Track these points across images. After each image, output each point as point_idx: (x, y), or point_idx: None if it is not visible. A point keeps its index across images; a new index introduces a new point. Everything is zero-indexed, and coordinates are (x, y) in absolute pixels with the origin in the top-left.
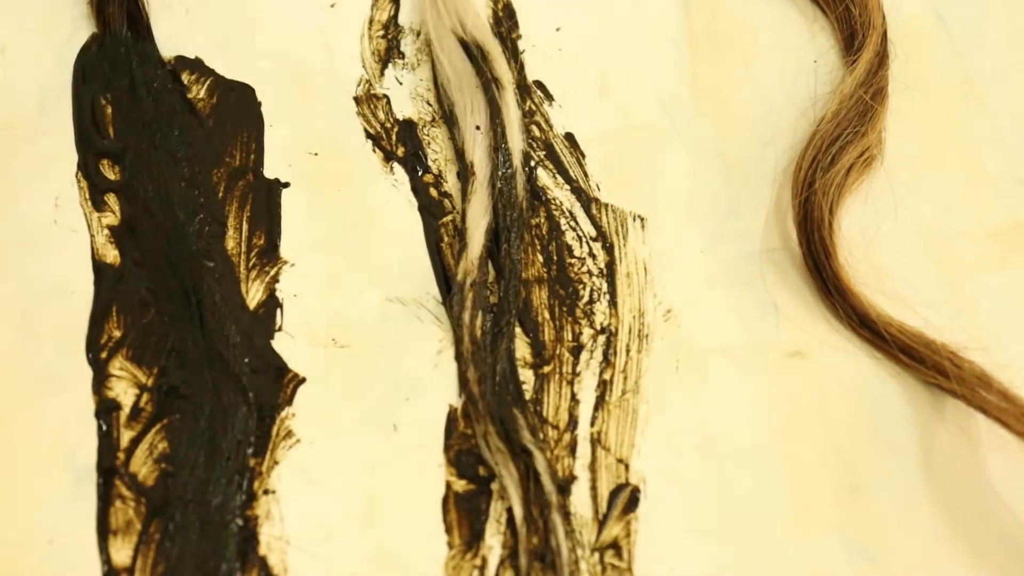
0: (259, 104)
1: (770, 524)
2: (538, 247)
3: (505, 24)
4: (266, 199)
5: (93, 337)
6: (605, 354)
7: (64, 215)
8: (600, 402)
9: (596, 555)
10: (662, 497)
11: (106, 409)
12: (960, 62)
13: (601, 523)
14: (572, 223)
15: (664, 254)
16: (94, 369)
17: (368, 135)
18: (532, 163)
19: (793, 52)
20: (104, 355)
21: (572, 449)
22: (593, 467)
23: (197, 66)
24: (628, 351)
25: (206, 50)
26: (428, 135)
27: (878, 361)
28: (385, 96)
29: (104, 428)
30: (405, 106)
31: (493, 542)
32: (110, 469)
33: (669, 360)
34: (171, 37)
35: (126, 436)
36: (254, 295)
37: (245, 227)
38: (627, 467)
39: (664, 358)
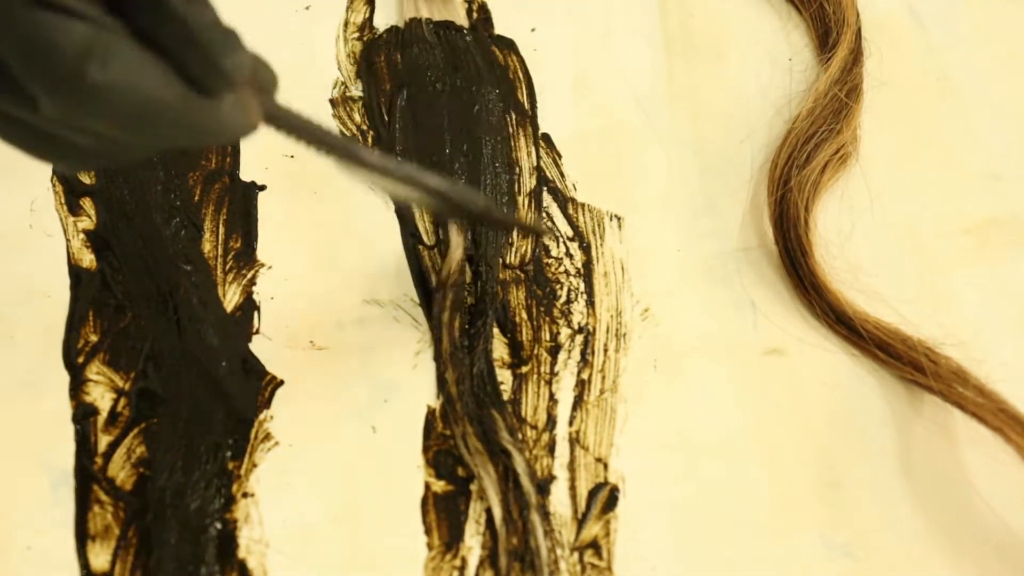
0: None
1: (749, 521)
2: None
3: (480, 24)
4: (242, 202)
5: (70, 342)
6: (583, 354)
7: (40, 219)
8: (578, 402)
9: (576, 554)
10: (641, 496)
11: (83, 414)
12: (934, 59)
13: (580, 522)
14: (549, 223)
15: (641, 253)
16: (71, 374)
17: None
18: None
19: (768, 50)
20: (81, 360)
21: (551, 449)
22: (572, 466)
23: None
24: (606, 350)
25: None
26: None
27: (855, 358)
28: (361, 98)
29: (81, 433)
30: None
31: (473, 543)
32: (88, 474)
33: (647, 359)
34: None
35: (104, 441)
36: (231, 298)
37: (222, 230)
38: (606, 466)
39: (642, 357)
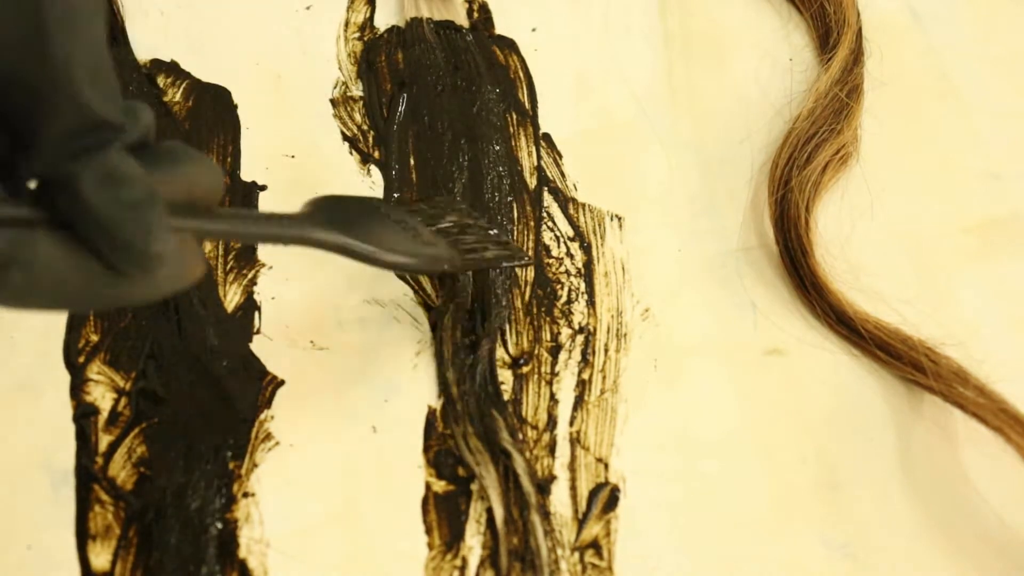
0: (235, 107)
1: (750, 522)
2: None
3: (480, 24)
4: (243, 202)
5: (70, 341)
6: (584, 354)
7: None
8: (579, 402)
9: (576, 554)
10: (642, 496)
11: (84, 414)
12: (935, 59)
13: (581, 522)
14: (550, 223)
15: (642, 253)
16: (72, 374)
17: (345, 137)
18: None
19: (768, 50)
20: (82, 359)
21: (551, 449)
22: (572, 467)
23: (173, 69)
24: (606, 350)
25: (182, 53)
26: None
27: (855, 358)
28: (362, 98)
29: (82, 432)
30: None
31: (473, 543)
32: (88, 474)
33: (647, 359)
34: (146, 40)
35: (104, 440)
36: (232, 298)
37: None
38: (607, 466)
39: (642, 357)
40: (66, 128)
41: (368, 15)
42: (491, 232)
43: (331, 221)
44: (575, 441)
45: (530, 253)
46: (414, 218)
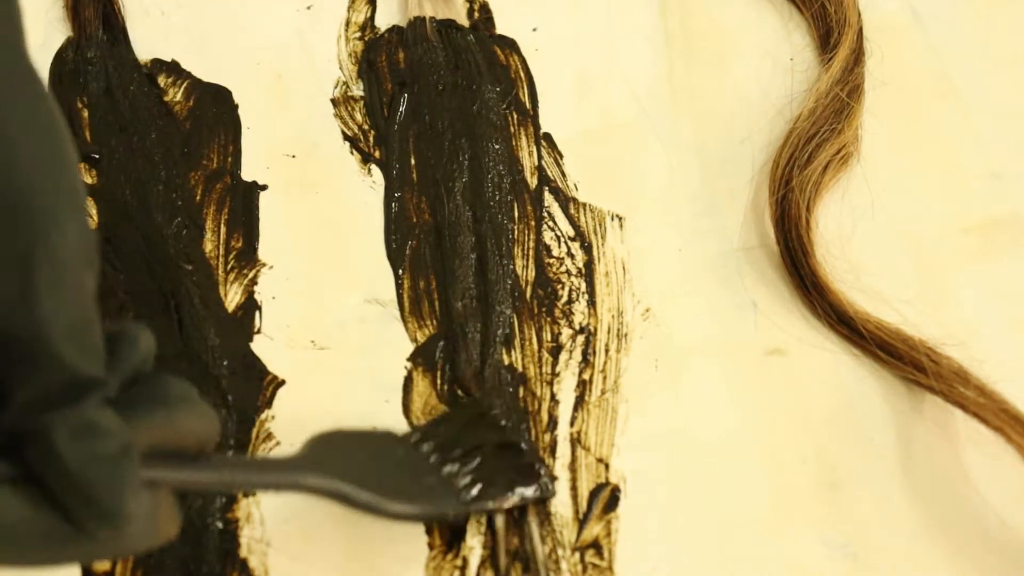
0: (236, 106)
1: (750, 522)
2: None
3: (481, 24)
4: (244, 202)
5: None
6: (584, 354)
7: None
8: (579, 402)
9: (577, 554)
10: (642, 496)
11: None
12: (936, 58)
13: (581, 523)
14: (550, 223)
15: (642, 253)
16: None
17: (346, 137)
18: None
19: (769, 50)
20: None
21: (552, 449)
22: (573, 467)
23: (174, 69)
24: (607, 351)
25: (183, 53)
26: None
27: (856, 358)
28: (362, 98)
29: None
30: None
31: (474, 543)
32: None
33: (648, 359)
34: (147, 40)
35: None
36: (232, 298)
37: (223, 230)
38: (607, 466)
39: (643, 357)
40: (42, 384)
41: (369, 15)
42: (522, 447)
43: (330, 464)
44: (576, 441)
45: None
46: (429, 444)
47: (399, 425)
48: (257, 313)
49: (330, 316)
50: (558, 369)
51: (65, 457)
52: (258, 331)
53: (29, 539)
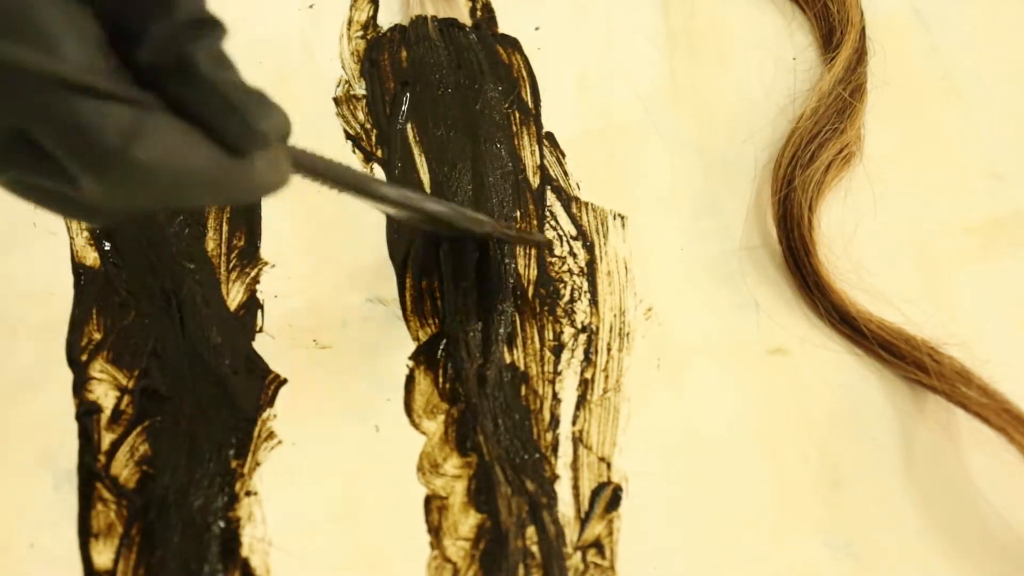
0: None
1: (752, 521)
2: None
3: (483, 23)
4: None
5: (73, 340)
6: (586, 353)
7: (43, 217)
8: (582, 401)
9: (579, 554)
10: (644, 495)
11: (87, 412)
12: (938, 58)
13: (583, 522)
14: (553, 222)
15: (645, 252)
16: (74, 372)
17: (348, 136)
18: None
19: (772, 49)
20: (84, 357)
21: (554, 448)
22: (575, 466)
23: None
24: (609, 350)
25: None
26: None
27: (858, 357)
28: (364, 97)
29: (85, 431)
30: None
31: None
32: (91, 472)
33: (650, 358)
34: None
35: (107, 439)
36: (235, 296)
37: (225, 228)
38: (609, 465)
39: (645, 356)
40: (178, 20)
41: (371, 13)
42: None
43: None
44: (578, 440)
45: (535, 247)
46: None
47: (399, 425)
48: (259, 312)
49: (332, 315)
50: (560, 368)
51: (212, 79)
52: (260, 330)
53: (186, 164)
